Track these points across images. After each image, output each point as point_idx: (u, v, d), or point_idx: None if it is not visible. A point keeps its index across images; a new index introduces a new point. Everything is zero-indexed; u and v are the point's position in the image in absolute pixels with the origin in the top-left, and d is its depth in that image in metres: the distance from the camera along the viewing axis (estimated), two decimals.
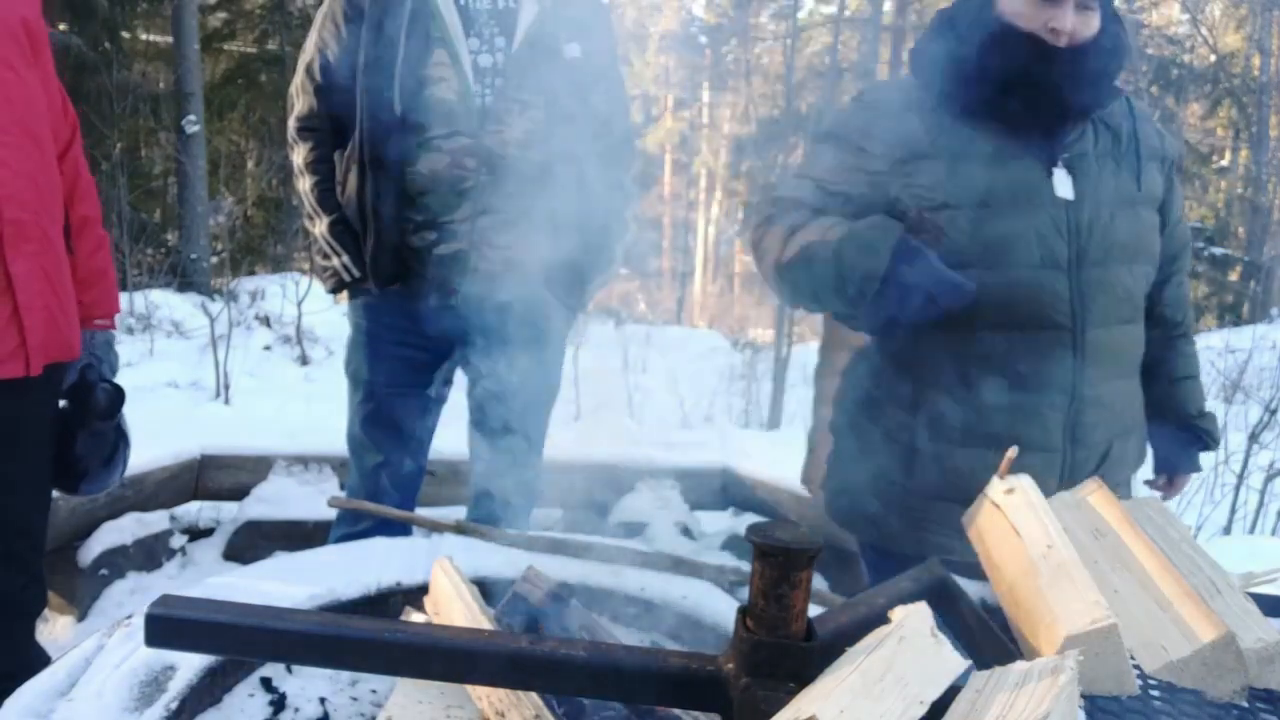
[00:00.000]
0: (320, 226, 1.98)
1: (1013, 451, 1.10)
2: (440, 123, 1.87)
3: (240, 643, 0.81)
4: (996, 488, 1.07)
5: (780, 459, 3.04)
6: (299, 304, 6.42)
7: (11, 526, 1.58)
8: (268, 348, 6.52)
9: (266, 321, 6.63)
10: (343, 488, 2.80)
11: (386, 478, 2.10)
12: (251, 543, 2.66)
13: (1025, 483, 1.05)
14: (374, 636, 0.78)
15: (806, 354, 8.73)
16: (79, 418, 1.66)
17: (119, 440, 1.76)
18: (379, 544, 1.56)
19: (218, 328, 5.77)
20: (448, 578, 1.13)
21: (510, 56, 1.88)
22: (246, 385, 5.88)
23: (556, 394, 2.16)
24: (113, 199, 7.75)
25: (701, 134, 19.46)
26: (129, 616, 1.24)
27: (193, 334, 6.72)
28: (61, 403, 1.66)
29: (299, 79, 2.00)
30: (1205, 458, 1.74)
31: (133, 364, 6.05)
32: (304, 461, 2.78)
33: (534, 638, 0.81)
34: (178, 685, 1.11)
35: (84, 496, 1.79)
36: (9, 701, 1.04)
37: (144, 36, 11.80)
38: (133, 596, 2.47)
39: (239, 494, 2.75)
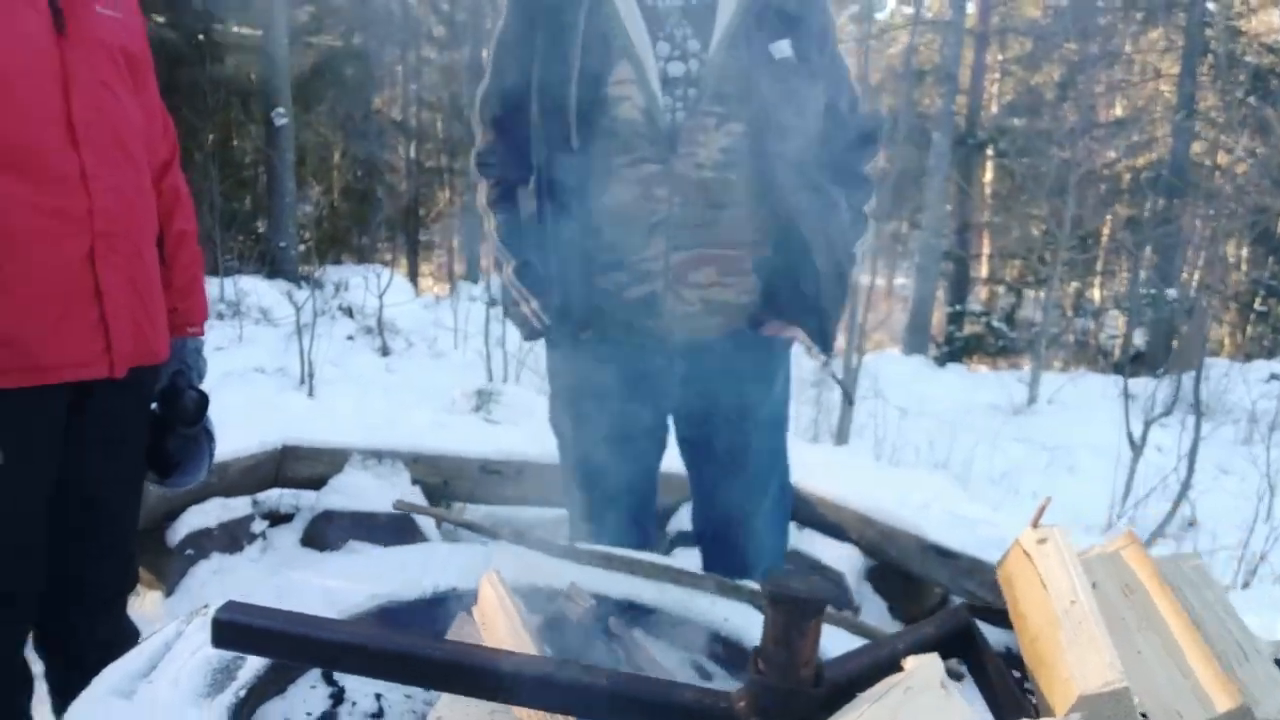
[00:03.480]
0: (507, 271, 1.79)
1: (1046, 500, 1.12)
2: (625, 147, 1.66)
3: (292, 650, 0.88)
4: (1029, 536, 1.09)
5: (848, 477, 3.03)
6: (380, 296, 6.61)
7: (105, 514, 1.70)
8: (350, 338, 6.75)
9: (349, 312, 6.86)
10: (415, 483, 2.92)
11: (608, 539, 1.85)
12: (327, 530, 2.78)
13: (1057, 533, 1.07)
14: (409, 651, 0.85)
15: (879, 363, 8.64)
16: (168, 420, 1.78)
17: (206, 440, 1.87)
18: (441, 549, 1.63)
19: (303, 316, 6.00)
20: (494, 590, 1.20)
21: (706, 62, 1.64)
22: (329, 374, 6.11)
23: (782, 433, 1.96)
24: (205, 188, 8.08)
25: None
26: (205, 606, 1.33)
27: (280, 321, 6.98)
28: (153, 405, 1.77)
29: (475, 110, 1.84)
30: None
31: (223, 349, 6.34)
32: (378, 456, 2.89)
33: (560, 661, 0.86)
34: (246, 675, 1.19)
35: (174, 489, 1.90)
36: (98, 680, 1.14)
37: (236, 29, 12.20)
38: (215, 576, 2.61)
39: (317, 483, 2.87)
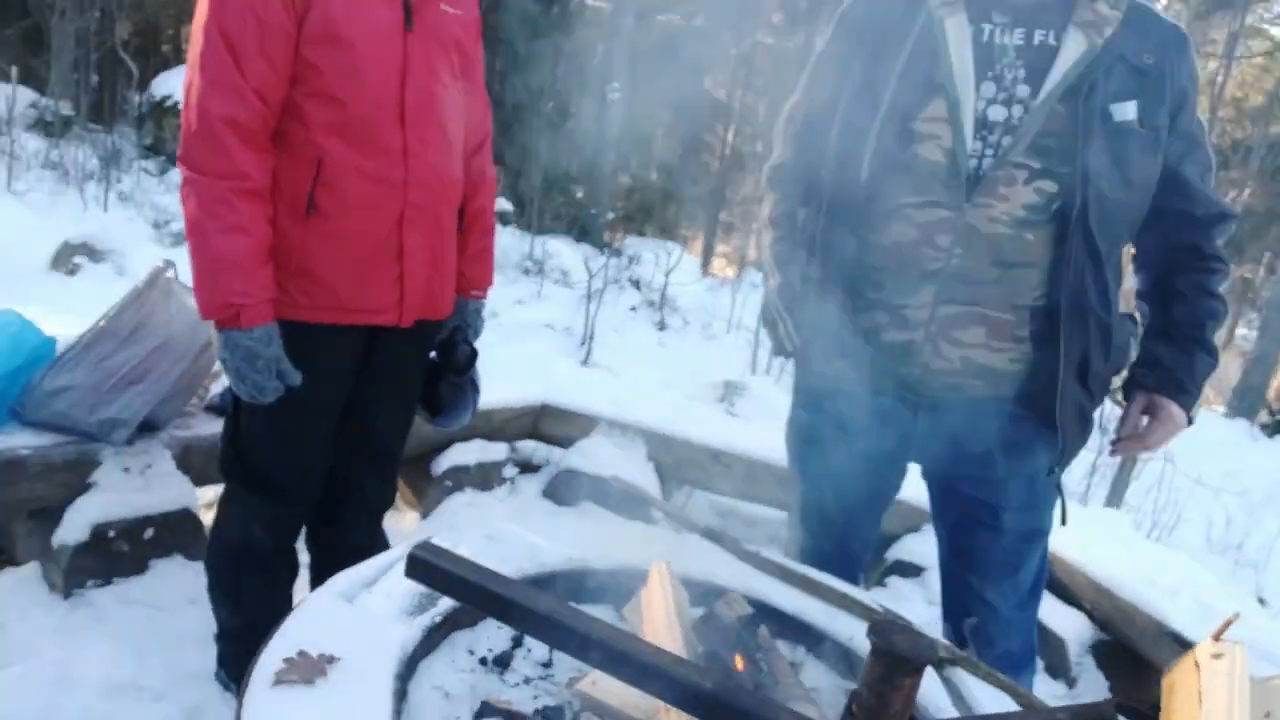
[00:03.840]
0: (771, 285, 1.78)
1: (1234, 616, 1.05)
2: (917, 187, 1.57)
3: (466, 595, 1.04)
4: (1205, 648, 1.04)
5: (1096, 542, 2.82)
6: (666, 275, 6.92)
7: (379, 441, 2.00)
8: (633, 309, 7.12)
9: (637, 285, 7.23)
10: (650, 459, 3.10)
11: (814, 559, 1.86)
12: (567, 487, 3.04)
13: (1237, 651, 1.01)
14: (553, 618, 0.98)
15: None
16: (443, 368, 2.05)
17: (471, 390, 2.12)
18: (637, 528, 1.77)
19: (595, 284, 6.43)
20: (660, 579, 1.31)
21: (1031, 110, 1.52)
22: (608, 339, 6.51)
23: (1039, 517, 1.77)
24: (535, 151, 8.81)
25: None
26: (430, 538, 1.56)
27: (576, 284, 7.51)
28: (433, 354, 2.05)
29: (779, 123, 1.82)
30: None
31: (523, 302, 6.94)
32: (621, 428, 3.11)
33: (675, 658, 0.95)
34: (446, 604, 1.39)
35: (440, 428, 2.18)
36: (331, 581, 1.38)
37: (589, 1, 12.92)
38: (467, 509, 2.95)
39: (567, 443, 3.14)
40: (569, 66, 11.64)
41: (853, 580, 1.89)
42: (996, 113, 1.54)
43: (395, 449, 2.08)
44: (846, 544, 1.94)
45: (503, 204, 8.76)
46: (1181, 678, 1.03)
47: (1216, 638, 1.04)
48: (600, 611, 1.54)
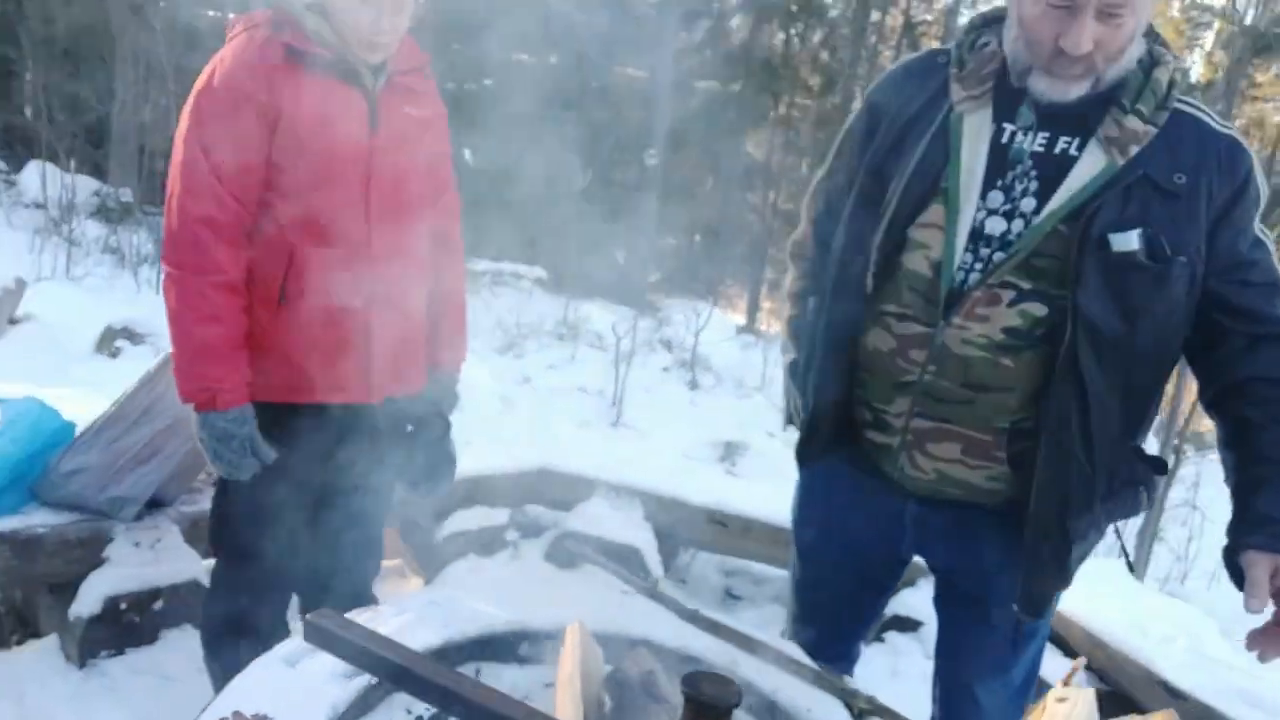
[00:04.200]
0: (785, 360, 1.80)
1: (1079, 661, 1.11)
2: (898, 297, 1.53)
3: (356, 659, 1.14)
4: (1055, 692, 1.09)
5: (1092, 590, 2.80)
6: (696, 334, 7.04)
7: (361, 513, 2.13)
8: (666, 369, 7.24)
9: (668, 346, 7.36)
10: (647, 519, 3.18)
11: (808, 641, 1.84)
12: (565, 550, 3.12)
13: (1081, 697, 1.06)
14: (443, 685, 1.06)
15: (1207, 468, 7.26)
16: (419, 440, 2.17)
17: (446, 460, 2.24)
18: (579, 589, 1.85)
19: (626, 346, 6.57)
20: (573, 638, 1.39)
21: (1031, 227, 1.42)
22: (639, 399, 6.63)
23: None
24: (570, 217, 9.06)
25: None
26: (377, 605, 1.66)
27: (610, 347, 7.66)
28: (409, 427, 2.18)
29: (808, 194, 1.80)
30: None
31: (555, 367, 7.12)
32: (618, 490, 3.20)
33: (530, 710, 1.03)
34: None
35: (421, 497, 2.29)
36: (277, 648, 1.49)
37: (626, 70, 13.27)
38: (469, 574, 3.05)
39: (569, 506, 3.23)
40: (607, 136, 11.95)
41: (842, 656, 1.90)
42: (995, 225, 1.45)
43: (376, 519, 2.20)
44: (839, 628, 1.92)
45: (538, 271, 9.01)
46: (1035, 717, 1.08)
47: (1065, 683, 1.09)
48: (535, 672, 1.63)
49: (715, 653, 1.65)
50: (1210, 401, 1.49)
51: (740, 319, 14.62)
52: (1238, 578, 1.34)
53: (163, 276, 1.86)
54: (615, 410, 6.20)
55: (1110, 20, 1.35)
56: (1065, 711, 1.01)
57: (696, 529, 3.17)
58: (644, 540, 3.05)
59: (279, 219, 1.84)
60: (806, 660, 1.66)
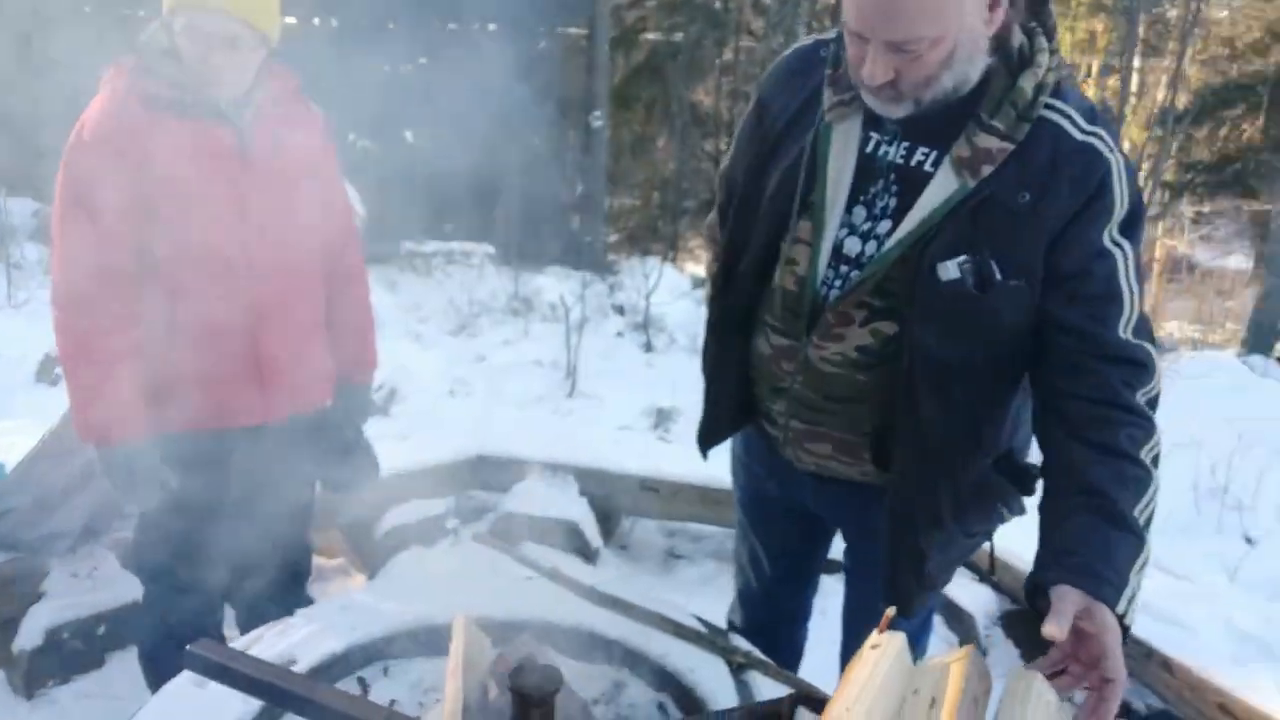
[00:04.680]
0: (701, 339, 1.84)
1: (891, 611, 1.18)
2: (772, 311, 1.56)
3: (233, 682, 1.22)
4: (870, 640, 1.17)
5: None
6: (646, 297, 7.09)
7: (276, 524, 2.20)
8: (620, 334, 7.30)
9: (620, 310, 7.42)
10: (582, 494, 3.27)
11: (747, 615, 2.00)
12: (508, 531, 3.22)
13: (893, 642, 1.14)
14: (311, 699, 1.15)
15: (1182, 366, 7.46)
16: (330, 449, 2.24)
17: (365, 463, 2.31)
18: (487, 580, 1.94)
19: (580, 314, 6.61)
20: (459, 631, 1.47)
21: (879, 255, 1.41)
22: (596, 367, 6.67)
23: None
24: (516, 196, 9.07)
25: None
26: (286, 617, 1.74)
27: (564, 318, 7.70)
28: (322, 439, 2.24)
29: (718, 176, 1.78)
30: None
31: (510, 342, 7.15)
32: (553, 468, 3.29)
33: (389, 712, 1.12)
34: None
35: (345, 495, 2.38)
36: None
37: (566, 30, 13.02)
38: (415, 564, 3.14)
39: (505, 488, 3.32)
40: (549, 104, 11.84)
41: (792, 607, 2.01)
42: (852, 245, 1.44)
43: (296, 527, 2.28)
44: (781, 575, 1.97)
45: (486, 247, 9.01)
46: (852, 667, 1.16)
47: (880, 631, 1.18)
48: (441, 663, 1.72)
49: (610, 625, 1.74)
50: (1035, 420, 1.44)
51: (701, 270, 14.67)
52: (1038, 603, 1.24)
53: (53, 322, 1.90)
54: (570, 381, 6.26)
55: (905, 54, 1.28)
56: (874, 658, 1.10)
57: (631, 497, 3.27)
58: (580, 514, 3.15)
59: (161, 256, 1.89)
60: (693, 623, 1.76)
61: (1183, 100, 17.33)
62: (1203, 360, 9.10)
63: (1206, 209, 18.03)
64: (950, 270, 1.34)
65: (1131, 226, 1.35)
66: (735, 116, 17.19)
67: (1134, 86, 17.57)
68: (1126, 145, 17.40)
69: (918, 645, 1.94)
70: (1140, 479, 1.27)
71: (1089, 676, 1.17)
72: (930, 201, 1.36)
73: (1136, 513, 1.26)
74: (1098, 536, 1.23)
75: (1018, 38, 1.35)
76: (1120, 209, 1.33)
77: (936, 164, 1.37)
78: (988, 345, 1.39)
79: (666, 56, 15.04)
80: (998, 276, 1.34)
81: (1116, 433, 1.29)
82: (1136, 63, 17.61)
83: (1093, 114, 1.36)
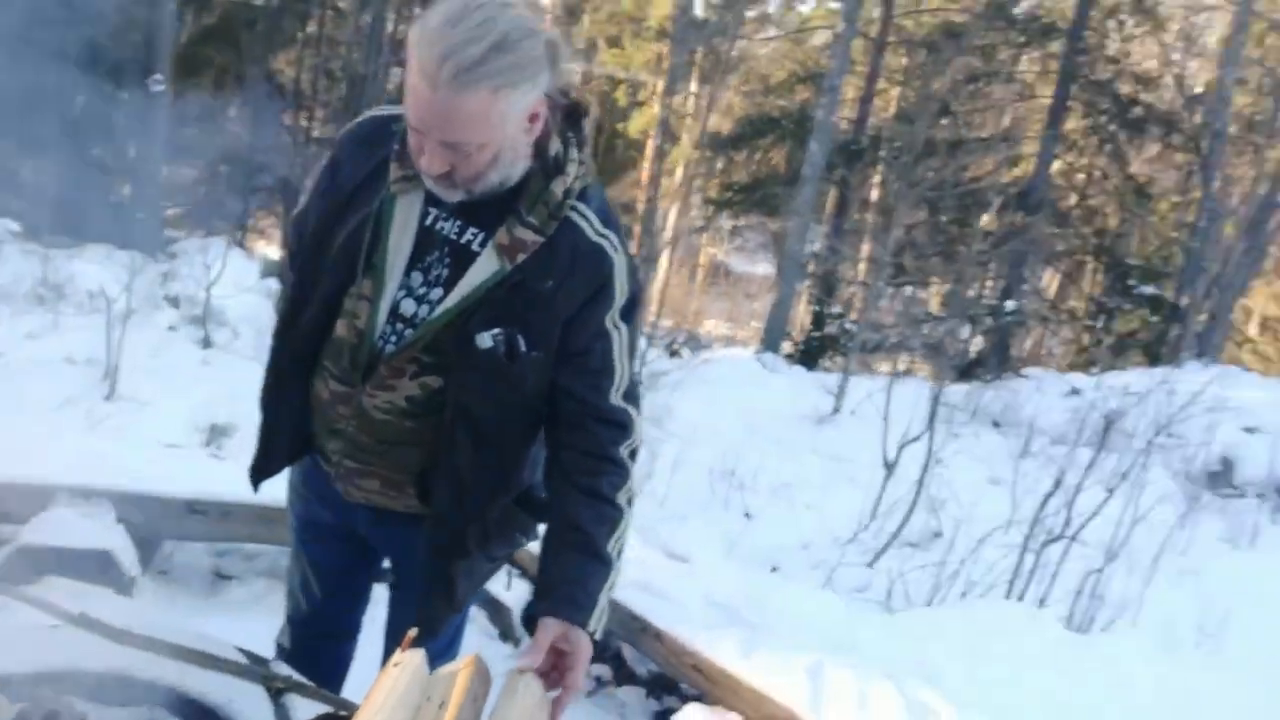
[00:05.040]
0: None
1: (412, 632, 1.37)
2: (332, 357, 1.68)
3: None
4: (395, 657, 1.34)
5: None
6: (207, 289, 6.65)
7: None
8: (173, 328, 6.76)
9: (175, 302, 6.86)
10: (120, 521, 3.07)
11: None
12: (23, 566, 2.93)
13: (412, 659, 1.32)
14: None
15: (716, 362, 8.65)
16: None
17: None
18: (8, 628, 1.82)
19: (125, 305, 5.99)
20: None
21: (431, 318, 1.58)
22: (143, 365, 6.11)
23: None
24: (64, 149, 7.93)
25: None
26: None
27: (103, 309, 6.94)
28: None
29: (294, 213, 1.84)
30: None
31: (35, 336, 6.30)
32: (85, 494, 3.05)
33: None
34: None
35: None
36: None
37: None
38: None
39: (24, 520, 3.01)
40: (102, 61, 10.53)
41: (344, 625, 2.12)
42: (408, 306, 1.59)
43: None
44: (334, 596, 2.07)
45: (8, 223, 7.81)
46: (376, 684, 1.33)
47: (403, 650, 1.36)
48: None
49: (146, 665, 1.74)
50: (545, 473, 1.70)
51: (274, 251, 13.93)
52: (532, 630, 1.52)
53: None
54: (109, 383, 5.68)
55: (457, 153, 1.45)
56: (396, 674, 1.27)
57: (177, 521, 3.14)
58: (115, 542, 2.95)
59: None
60: (233, 655, 1.82)
61: (726, 126, 19.91)
62: (727, 358, 10.67)
63: (742, 222, 20.90)
64: (486, 340, 1.55)
65: (630, 311, 1.64)
66: (319, 91, 16.53)
67: (690, 108, 19.82)
68: (681, 164, 19.68)
69: (449, 651, 2.18)
70: (615, 518, 1.59)
71: (563, 680, 1.49)
72: (475, 278, 1.55)
73: (609, 547, 1.57)
74: (577, 569, 1.53)
75: (555, 146, 1.57)
76: (620, 298, 1.61)
77: (483, 245, 1.56)
78: (515, 404, 1.63)
79: (243, 22, 14.04)
80: (524, 348, 1.57)
81: (600, 480, 1.58)
82: (693, 88, 19.90)
83: (606, 217, 1.61)
